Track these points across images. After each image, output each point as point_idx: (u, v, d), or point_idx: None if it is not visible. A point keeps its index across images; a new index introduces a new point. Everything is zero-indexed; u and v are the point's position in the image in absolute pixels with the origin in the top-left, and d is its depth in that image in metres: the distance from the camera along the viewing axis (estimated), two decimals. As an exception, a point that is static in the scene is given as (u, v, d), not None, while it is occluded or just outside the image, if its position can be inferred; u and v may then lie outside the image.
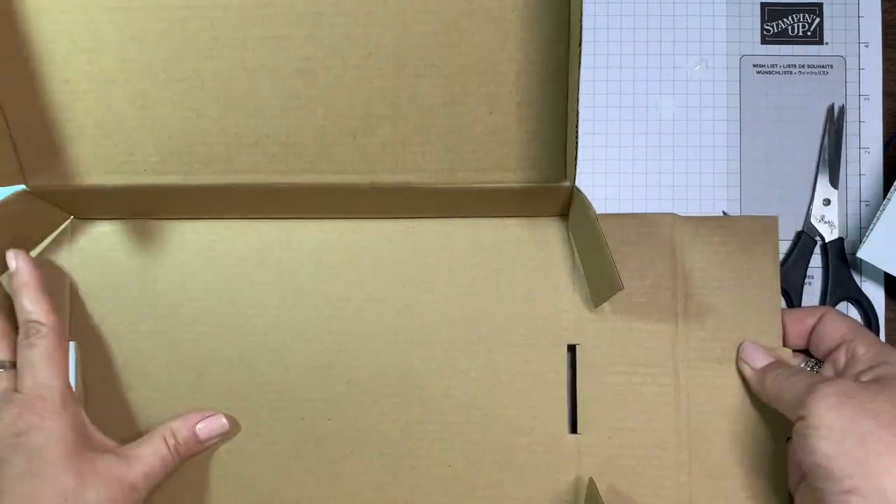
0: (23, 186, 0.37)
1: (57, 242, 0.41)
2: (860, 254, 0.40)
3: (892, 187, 0.40)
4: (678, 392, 0.40)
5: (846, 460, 0.31)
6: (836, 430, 0.32)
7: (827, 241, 0.42)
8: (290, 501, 0.40)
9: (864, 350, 0.36)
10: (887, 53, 0.43)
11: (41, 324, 0.38)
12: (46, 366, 0.38)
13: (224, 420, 0.40)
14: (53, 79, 0.36)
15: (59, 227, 0.41)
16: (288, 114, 0.36)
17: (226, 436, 0.41)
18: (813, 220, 0.42)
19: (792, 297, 0.42)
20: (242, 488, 0.41)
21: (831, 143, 0.43)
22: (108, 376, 0.41)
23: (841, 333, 0.38)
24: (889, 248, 0.40)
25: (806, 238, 0.42)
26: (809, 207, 0.43)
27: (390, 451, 0.40)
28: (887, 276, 0.42)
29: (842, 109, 0.43)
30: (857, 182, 0.43)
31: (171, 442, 0.39)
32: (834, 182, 0.43)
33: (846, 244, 0.43)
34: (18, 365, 0.38)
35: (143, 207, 0.40)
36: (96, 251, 0.41)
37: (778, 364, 0.38)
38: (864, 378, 0.35)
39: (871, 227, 0.40)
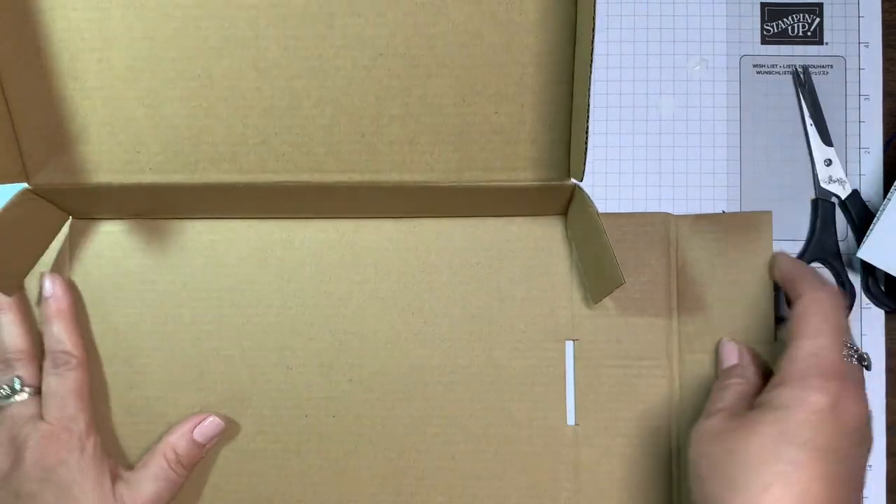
0: (24, 185, 0.37)
1: (56, 243, 0.41)
2: (860, 254, 0.40)
3: (893, 187, 0.40)
4: (671, 384, 0.41)
5: (693, 496, 0.34)
6: (690, 467, 0.35)
7: (843, 198, 0.42)
8: (295, 498, 0.41)
9: (783, 364, 0.34)
10: (887, 53, 0.43)
11: (72, 355, 0.39)
12: (75, 399, 0.38)
13: (218, 419, 0.40)
14: (62, 76, 0.36)
15: (60, 228, 0.41)
16: (297, 113, 0.36)
17: (224, 433, 0.41)
18: (823, 184, 0.42)
19: (834, 265, 0.42)
20: (246, 487, 0.41)
21: (809, 106, 0.43)
22: (109, 376, 0.41)
23: (799, 329, 0.35)
24: (889, 248, 0.40)
25: (823, 203, 0.42)
26: (814, 173, 0.43)
27: (394, 445, 0.41)
28: (887, 276, 0.42)
29: (805, 70, 0.43)
30: (858, 182, 0.43)
31: (172, 457, 0.39)
32: (826, 140, 0.43)
33: (866, 190, 0.43)
34: (44, 392, 0.38)
35: (146, 206, 0.40)
36: (96, 251, 0.41)
37: (729, 372, 0.38)
38: (756, 401, 0.35)
39: (871, 227, 0.40)
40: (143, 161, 0.37)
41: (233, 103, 0.36)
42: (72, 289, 0.41)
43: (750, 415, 0.33)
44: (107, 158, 0.37)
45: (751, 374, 0.38)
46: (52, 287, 0.40)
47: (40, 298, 0.40)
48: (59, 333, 0.39)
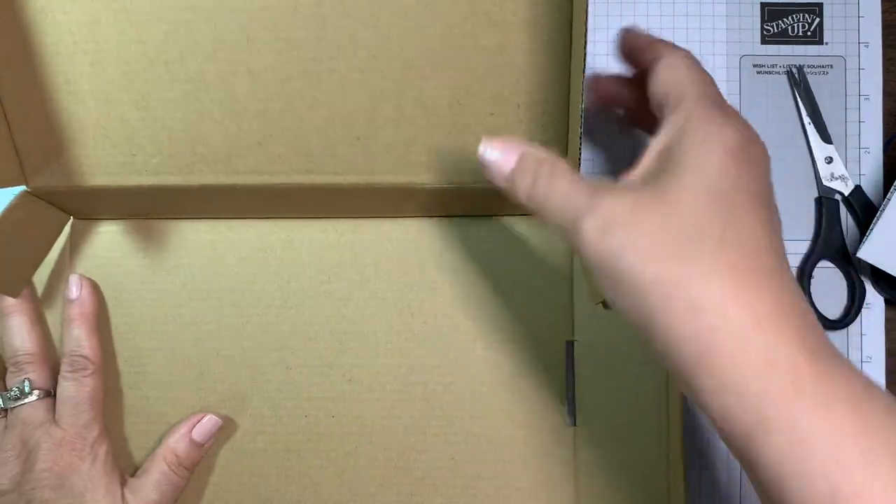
0: (23, 187, 0.37)
1: (58, 243, 0.41)
2: (860, 254, 0.40)
3: (893, 187, 0.40)
4: (670, 385, 0.40)
5: (618, 297, 0.26)
6: (611, 277, 0.26)
7: (846, 194, 0.42)
8: (295, 498, 0.41)
9: (670, 116, 0.28)
10: (887, 53, 0.43)
11: (90, 361, 0.39)
12: (91, 407, 0.38)
13: (215, 417, 0.40)
14: (55, 80, 0.36)
15: (62, 229, 0.41)
16: (291, 115, 0.36)
17: (224, 433, 0.41)
18: (825, 182, 0.43)
19: (842, 262, 0.42)
20: (246, 487, 0.41)
21: (806, 104, 0.43)
22: (109, 376, 0.41)
23: (663, 91, 0.29)
24: (889, 248, 0.40)
25: (827, 201, 0.43)
26: (816, 172, 0.43)
27: (394, 445, 0.41)
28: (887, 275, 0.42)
29: (800, 69, 0.43)
30: (858, 182, 0.43)
31: (173, 460, 0.39)
32: (825, 138, 0.43)
33: (867, 189, 0.43)
34: (59, 396, 0.38)
35: (144, 208, 0.40)
36: (96, 251, 0.41)
37: (531, 161, 0.29)
38: (654, 165, 0.28)
39: (871, 227, 0.40)
40: (138, 163, 0.37)
41: (227, 106, 0.36)
42: (97, 293, 0.41)
43: (658, 184, 0.26)
44: (102, 161, 0.37)
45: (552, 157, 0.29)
46: (77, 289, 0.40)
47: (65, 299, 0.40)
48: (80, 337, 0.39)
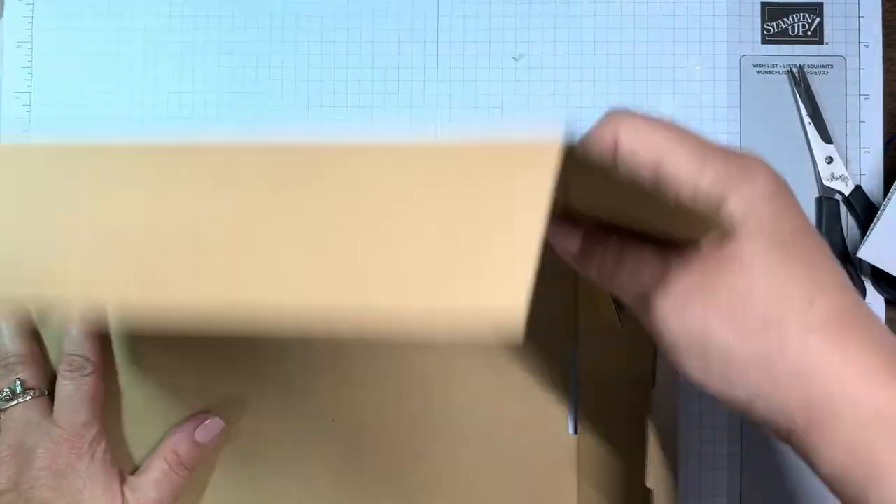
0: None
1: None
2: (860, 254, 0.40)
3: (893, 187, 0.40)
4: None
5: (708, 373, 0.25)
6: (700, 355, 0.25)
7: (847, 194, 0.42)
8: (295, 499, 0.41)
9: (696, 192, 0.25)
10: (887, 53, 0.43)
11: (89, 361, 0.39)
12: (89, 407, 0.38)
13: (218, 419, 0.40)
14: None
15: None
16: (261, 238, 0.33)
17: (224, 434, 0.41)
18: (826, 182, 0.42)
19: (844, 263, 0.42)
20: (246, 487, 0.41)
21: (806, 104, 0.43)
22: (109, 376, 0.41)
23: (651, 158, 0.25)
24: (889, 248, 0.40)
25: (827, 202, 0.43)
26: (816, 172, 0.43)
27: (394, 449, 0.41)
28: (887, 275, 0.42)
29: (801, 69, 0.43)
30: (858, 182, 0.43)
31: (174, 459, 0.39)
32: (826, 138, 0.43)
33: (867, 189, 0.43)
34: (58, 395, 0.38)
35: None
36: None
37: (596, 246, 0.27)
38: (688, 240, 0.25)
39: (871, 227, 0.40)
40: (104, 283, 0.36)
41: (196, 232, 0.33)
42: None
43: (718, 251, 0.24)
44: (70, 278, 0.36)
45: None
46: None
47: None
48: (79, 336, 0.39)
